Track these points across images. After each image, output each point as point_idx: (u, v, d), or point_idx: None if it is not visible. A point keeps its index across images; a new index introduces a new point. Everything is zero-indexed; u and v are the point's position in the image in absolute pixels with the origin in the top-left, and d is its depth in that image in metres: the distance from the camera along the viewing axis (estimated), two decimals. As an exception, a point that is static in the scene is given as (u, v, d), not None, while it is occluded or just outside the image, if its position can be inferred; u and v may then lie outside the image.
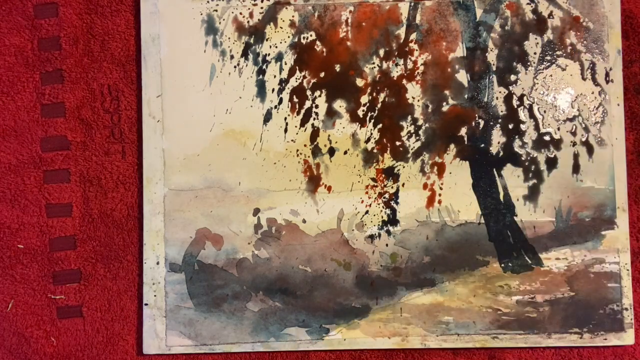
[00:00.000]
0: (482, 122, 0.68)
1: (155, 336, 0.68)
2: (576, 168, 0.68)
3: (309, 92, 0.69)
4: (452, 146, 0.68)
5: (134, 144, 0.70)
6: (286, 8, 0.69)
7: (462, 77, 0.68)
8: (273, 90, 0.69)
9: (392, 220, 0.68)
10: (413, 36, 0.69)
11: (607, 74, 0.68)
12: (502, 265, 0.68)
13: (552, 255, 0.68)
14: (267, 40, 0.69)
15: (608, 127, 0.68)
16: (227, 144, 0.69)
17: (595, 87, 0.68)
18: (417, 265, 0.68)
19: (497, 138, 0.68)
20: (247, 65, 0.69)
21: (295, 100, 0.69)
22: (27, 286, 0.69)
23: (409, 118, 0.68)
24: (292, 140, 0.69)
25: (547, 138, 0.68)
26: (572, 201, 0.68)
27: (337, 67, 0.69)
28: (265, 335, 0.68)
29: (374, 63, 0.69)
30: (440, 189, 0.68)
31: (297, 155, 0.68)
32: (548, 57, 0.69)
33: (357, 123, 0.69)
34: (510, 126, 0.68)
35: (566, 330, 0.67)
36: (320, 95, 0.69)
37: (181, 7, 0.69)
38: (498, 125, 0.68)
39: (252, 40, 0.69)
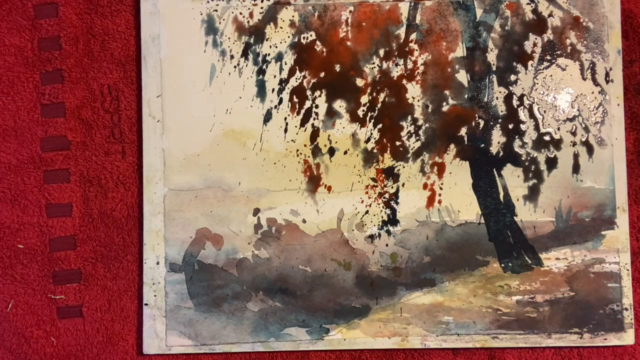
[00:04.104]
0: (482, 122, 0.68)
1: (155, 336, 0.68)
2: (576, 168, 0.68)
3: (309, 92, 0.69)
4: (452, 146, 0.68)
5: (134, 144, 0.70)
6: (286, 8, 0.69)
7: (462, 77, 0.68)
8: (273, 90, 0.69)
9: (392, 220, 0.68)
10: (413, 36, 0.69)
11: (607, 74, 0.68)
12: (502, 265, 0.68)
13: (552, 255, 0.68)
14: (267, 40, 0.69)
15: (608, 127, 0.68)
16: (227, 144, 0.69)
17: (595, 87, 0.68)
18: (417, 265, 0.68)
19: (497, 138, 0.68)
20: (247, 65, 0.69)
21: (295, 100, 0.69)
22: (27, 286, 0.69)
23: (409, 118, 0.68)
24: (292, 140, 0.69)
25: (547, 138, 0.68)
26: (572, 201, 0.68)
27: (337, 67, 0.69)
28: (265, 335, 0.68)
29: (374, 63, 0.69)
30: (440, 189, 0.68)
31: (297, 155, 0.68)
32: (548, 57, 0.69)
33: (357, 123, 0.69)
34: (510, 126, 0.68)
35: (566, 330, 0.67)
36: (320, 95, 0.69)
37: (181, 7, 0.69)
38: (498, 125, 0.68)
39: (252, 40, 0.69)
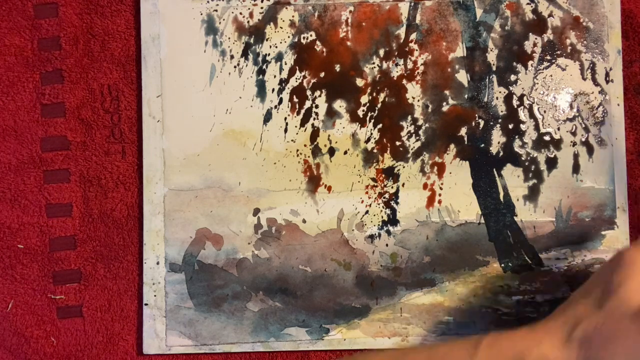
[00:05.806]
0: (482, 122, 0.68)
1: (155, 336, 0.68)
2: (576, 168, 0.68)
3: (309, 92, 0.69)
4: (452, 146, 0.68)
5: (134, 144, 0.70)
6: (286, 8, 0.69)
7: (462, 77, 0.68)
8: (273, 90, 0.69)
9: (392, 220, 0.68)
10: (413, 36, 0.69)
11: (607, 74, 0.68)
12: (502, 265, 0.68)
13: (552, 255, 0.68)
14: (267, 40, 0.69)
15: (608, 127, 0.68)
16: (227, 144, 0.69)
17: (595, 87, 0.68)
18: (417, 265, 0.68)
19: (497, 138, 0.68)
20: (247, 65, 0.69)
21: (295, 100, 0.69)
22: (27, 286, 0.69)
23: (409, 118, 0.68)
24: (292, 140, 0.69)
25: (547, 138, 0.68)
26: (572, 201, 0.68)
27: (337, 67, 0.69)
28: (265, 335, 0.68)
29: (374, 63, 0.69)
30: (440, 189, 0.68)
31: (297, 155, 0.68)
32: (548, 57, 0.69)
33: (357, 123, 0.69)
34: (510, 126, 0.68)
35: (566, 330, 0.67)
36: (320, 95, 0.69)
37: (181, 7, 0.69)
38: (498, 125, 0.68)
39: (252, 40, 0.69)
